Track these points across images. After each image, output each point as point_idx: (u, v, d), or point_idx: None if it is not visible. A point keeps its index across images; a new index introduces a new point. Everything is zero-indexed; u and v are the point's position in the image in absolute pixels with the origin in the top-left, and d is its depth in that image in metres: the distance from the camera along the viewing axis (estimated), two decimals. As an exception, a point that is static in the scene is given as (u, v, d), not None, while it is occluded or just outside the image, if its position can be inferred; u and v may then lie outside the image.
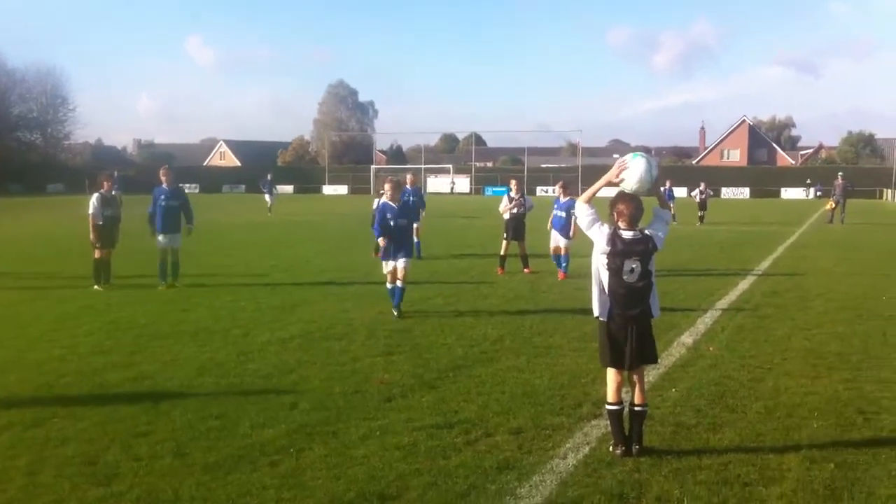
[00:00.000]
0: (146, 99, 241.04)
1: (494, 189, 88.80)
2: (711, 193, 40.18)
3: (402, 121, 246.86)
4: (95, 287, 14.92)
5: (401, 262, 12.17)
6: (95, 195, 15.43)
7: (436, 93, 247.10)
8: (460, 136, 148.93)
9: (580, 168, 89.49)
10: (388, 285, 12.43)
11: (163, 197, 15.30)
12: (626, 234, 6.23)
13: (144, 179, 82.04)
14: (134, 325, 11.50)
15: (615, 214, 6.32)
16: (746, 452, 6.29)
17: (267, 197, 45.49)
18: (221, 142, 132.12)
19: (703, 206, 37.70)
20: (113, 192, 16.07)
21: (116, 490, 5.60)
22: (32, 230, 27.26)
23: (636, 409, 6.37)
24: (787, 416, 7.24)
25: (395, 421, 7.09)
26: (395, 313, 12.12)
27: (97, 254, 15.17)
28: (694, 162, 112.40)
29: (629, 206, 6.26)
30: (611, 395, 6.41)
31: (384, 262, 12.38)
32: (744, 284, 15.87)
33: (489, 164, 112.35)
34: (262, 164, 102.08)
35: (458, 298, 13.96)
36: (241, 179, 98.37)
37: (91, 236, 15.30)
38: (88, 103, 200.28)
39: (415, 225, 17.05)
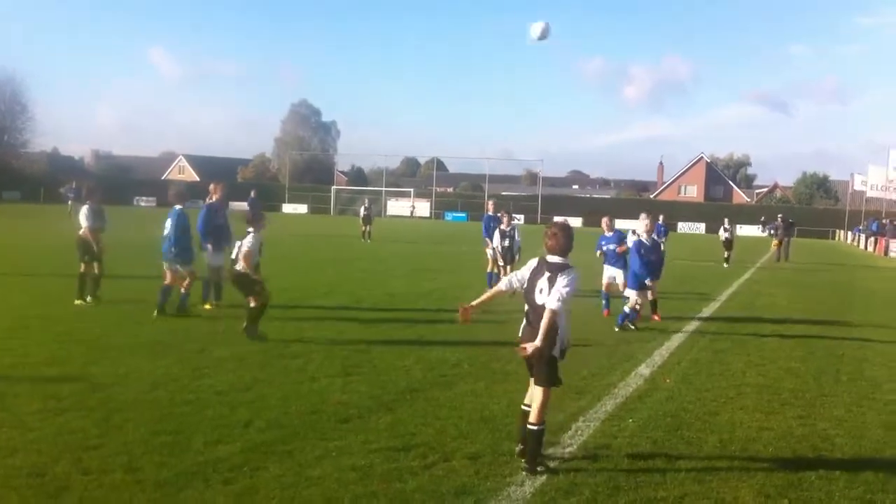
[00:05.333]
0: (105, 109, 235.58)
1: (455, 215, 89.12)
2: (733, 232, 34.11)
3: (364, 143, 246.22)
4: (77, 302, 14.18)
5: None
6: (85, 207, 14.65)
7: (399, 116, 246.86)
8: (422, 161, 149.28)
9: (540, 197, 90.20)
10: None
11: (220, 214, 14.86)
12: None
13: (102, 191, 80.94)
14: (88, 337, 11.27)
15: None
16: (702, 485, 6.34)
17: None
18: (181, 156, 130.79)
19: (728, 245, 32.49)
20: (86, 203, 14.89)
21: (65, 503, 5.48)
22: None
23: (527, 426, 6.62)
24: (743, 451, 7.32)
25: (351, 442, 7.03)
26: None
27: (82, 268, 14.46)
28: (651, 196, 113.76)
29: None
30: None
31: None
32: (700, 318, 16.03)
33: (450, 190, 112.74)
34: (221, 180, 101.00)
35: (418, 322, 13.92)
36: (200, 194, 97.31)
37: (95, 248, 14.50)
38: (45, 111, 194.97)
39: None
